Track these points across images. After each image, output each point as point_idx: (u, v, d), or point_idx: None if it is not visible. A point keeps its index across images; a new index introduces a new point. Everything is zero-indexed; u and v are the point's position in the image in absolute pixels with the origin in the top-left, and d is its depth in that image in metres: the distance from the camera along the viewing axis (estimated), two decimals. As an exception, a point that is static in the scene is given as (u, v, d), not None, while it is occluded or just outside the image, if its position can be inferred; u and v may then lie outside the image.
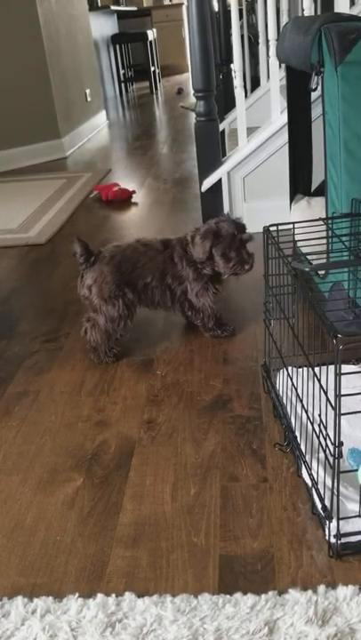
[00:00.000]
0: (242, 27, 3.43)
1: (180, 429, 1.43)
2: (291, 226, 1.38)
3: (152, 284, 1.70)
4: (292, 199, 2.14)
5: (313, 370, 1.08)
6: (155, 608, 0.98)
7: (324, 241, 1.44)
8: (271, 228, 1.34)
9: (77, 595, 1.03)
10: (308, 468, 1.18)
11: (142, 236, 2.73)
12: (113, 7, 7.78)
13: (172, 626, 0.95)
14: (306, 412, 1.19)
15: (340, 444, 0.97)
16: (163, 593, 1.02)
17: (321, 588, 0.99)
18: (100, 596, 1.01)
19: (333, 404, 0.95)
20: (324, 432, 1.03)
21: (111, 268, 1.66)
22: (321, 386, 1.03)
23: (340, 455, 0.98)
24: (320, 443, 1.07)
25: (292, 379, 1.32)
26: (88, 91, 5.41)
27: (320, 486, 1.12)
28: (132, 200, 3.33)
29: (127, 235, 2.82)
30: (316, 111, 2.03)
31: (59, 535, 1.17)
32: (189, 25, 2.43)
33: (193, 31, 2.40)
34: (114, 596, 1.01)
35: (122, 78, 7.89)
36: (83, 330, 1.74)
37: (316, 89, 1.54)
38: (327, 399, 0.99)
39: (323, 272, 1.65)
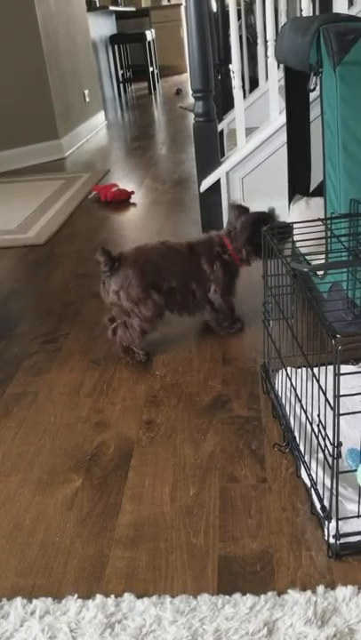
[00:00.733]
0: (240, 27, 3.43)
1: (179, 430, 1.43)
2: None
3: (176, 288, 1.70)
4: (290, 199, 2.14)
5: (312, 370, 1.08)
6: (154, 609, 0.98)
7: (323, 241, 1.44)
8: (270, 229, 1.33)
9: (76, 596, 1.03)
10: (308, 469, 1.18)
11: (141, 236, 2.75)
12: (111, 8, 7.77)
13: (171, 627, 0.95)
14: (305, 412, 1.19)
15: (339, 444, 0.97)
16: (162, 594, 1.02)
17: (320, 588, 0.99)
18: (99, 597, 1.01)
19: (332, 405, 0.95)
20: (323, 432, 1.03)
21: (135, 271, 1.65)
22: (320, 386, 1.03)
23: (339, 455, 0.98)
24: (319, 443, 1.07)
25: (291, 379, 1.32)
26: (87, 91, 5.41)
27: (319, 486, 1.12)
28: (131, 200, 3.33)
29: (126, 235, 2.82)
30: (314, 111, 2.03)
31: (58, 536, 1.17)
32: (188, 25, 2.43)
33: (191, 32, 2.40)
34: (113, 596, 1.01)
35: (120, 79, 7.89)
36: (110, 331, 1.72)
37: (314, 89, 1.54)
38: (326, 399, 0.99)
39: (322, 272, 1.65)
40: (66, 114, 4.76)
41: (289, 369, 1.35)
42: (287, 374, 1.34)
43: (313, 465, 1.17)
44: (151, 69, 7.87)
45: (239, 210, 1.76)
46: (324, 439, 1.03)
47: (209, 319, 1.80)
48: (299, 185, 2.13)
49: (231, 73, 2.73)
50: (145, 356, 1.73)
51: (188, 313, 1.78)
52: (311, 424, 1.14)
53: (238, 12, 3.01)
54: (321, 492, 1.10)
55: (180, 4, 9.17)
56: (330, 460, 1.00)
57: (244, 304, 1.96)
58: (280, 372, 1.43)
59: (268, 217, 1.70)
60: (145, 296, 1.65)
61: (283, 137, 2.29)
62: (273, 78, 2.47)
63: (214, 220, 2.64)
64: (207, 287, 1.73)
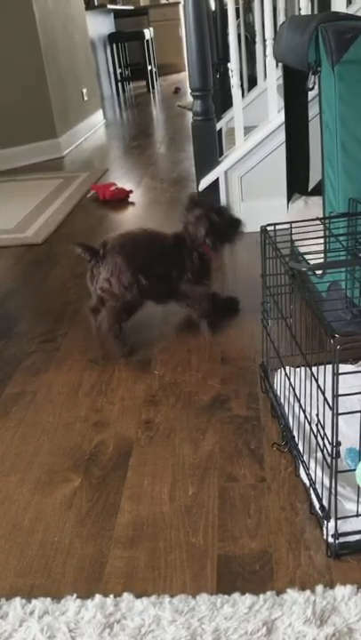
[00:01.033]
0: (239, 26, 3.43)
1: (177, 429, 1.43)
2: (288, 225, 1.38)
3: (160, 275, 1.72)
4: (289, 199, 2.14)
5: (311, 370, 1.08)
6: (153, 609, 0.98)
7: (322, 240, 1.44)
8: (268, 228, 1.33)
9: (75, 595, 1.03)
10: (306, 468, 1.18)
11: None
12: (110, 6, 7.76)
13: (170, 626, 0.95)
14: (304, 411, 1.19)
15: (338, 443, 0.97)
16: (161, 593, 1.01)
17: (319, 587, 0.99)
18: (98, 597, 1.01)
19: (331, 404, 0.95)
20: (321, 432, 1.03)
21: (124, 257, 1.68)
22: (319, 386, 1.03)
23: (338, 455, 0.98)
24: (318, 442, 1.07)
25: (289, 378, 1.32)
26: (85, 90, 5.41)
27: (318, 486, 1.12)
28: (130, 199, 3.33)
29: (124, 234, 2.81)
30: (313, 110, 2.03)
31: (57, 536, 1.16)
32: (186, 24, 2.42)
33: (190, 30, 2.40)
34: (112, 596, 1.01)
35: (119, 77, 7.88)
36: (97, 324, 1.77)
37: (313, 88, 1.54)
38: (325, 399, 0.99)
39: (320, 272, 1.65)
40: (64, 112, 4.76)
41: (288, 368, 1.35)
42: (286, 374, 1.34)
43: (312, 464, 1.17)
44: (150, 68, 7.86)
45: (190, 202, 1.79)
46: (322, 438, 1.03)
47: (183, 306, 1.83)
48: (297, 184, 2.13)
49: (230, 72, 2.72)
50: (128, 350, 1.75)
51: (165, 301, 1.82)
52: (310, 423, 1.14)
53: (237, 10, 3.01)
54: (320, 492, 1.10)
55: (178, 3, 9.17)
56: (329, 459, 1.00)
57: (243, 303, 1.96)
58: (279, 371, 1.43)
59: (219, 208, 1.79)
60: (132, 282, 1.68)
61: (281, 136, 2.29)
62: (271, 77, 2.47)
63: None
64: (184, 275, 1.75)
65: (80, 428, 1.47)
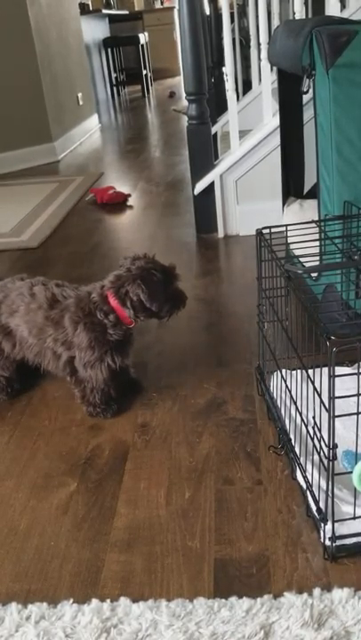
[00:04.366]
0: (233, 30, 3.44)
1: (174, 433, 1.42)
2: (283, 228, 1.38)
3: (30, 342, 1.49)
4: (284, 202, 2.14)
5: (307, 372, 1.08)
6: (150, 613, 0.98)
7: (317, 243, 1.44)
8: (264, 231, 1.34)
9: (72, 600, 1.02)
10: (303, 471, 1.17)
11: (135, 238, 2.74)
12: (104, 11, 7.78)
13: (167, 631, 0.94)
14: (300, 414, 1.19)
15: (335, 446, 0.97)
16: (158, 598, 1.01)
17: (316, 590, 0.98)
18: (94, 602, 1.01)
19: (327, 407, 0.95)
20: (318, 434, 1.03)
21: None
22: (315, 388, 1.03)
23: (335, 457, 0.98)
24: (314, 445, 1.07)
25: (285, 381, 1.32)
26: (80, 94, 5.41)
27: (315, 489, 1.11)
28: (128, 203, 3.33)
29: (120, 238, 2.82)
30: (307, 114, 2.04)
31: (53, 540, 1.16)
32: (181, 28, 2.43)
33: (184, 34, 2.40)
34: (109, 601, 1.01)
35: (114, 82, 7.89)
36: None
37: (307, 92, 1.54)
38: (321, 401, 0.99)
39: (316, 274, 1.65)
40: (59, 117, 4.76)
41: (284, 371, 1.35)
42: (282, 376, 1.34)
43: (308, 467, 1.17)
44: (145, 72, 7.87)
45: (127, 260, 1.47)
46: (319, 441, 1.03)
47: (72, 389, 1.53)
48: (292, 187, 2.14)
49: (224, 76, 2.73)
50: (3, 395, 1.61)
51: (45, 369, 1.55)
52: (306, 426, 1.14)
53: (231, 14, 3.02)
54: (317, 494, 1.10)
55: (173, 8, 9.19)
56: (325, 461, 1.00)
57: (238, 306, 1.96)
58: (275, 373, 1.43)
59: (165, 267, 1.45)
60: None
61: (276, 139, 2.30)
62: (266, 81, 2.48)
63: (208, 223, 2.64)
64: (74, 353, 1.45)
65: (76, 432, 1.46)
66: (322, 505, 1.06)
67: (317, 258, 1.43)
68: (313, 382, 1.04)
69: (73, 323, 1.43)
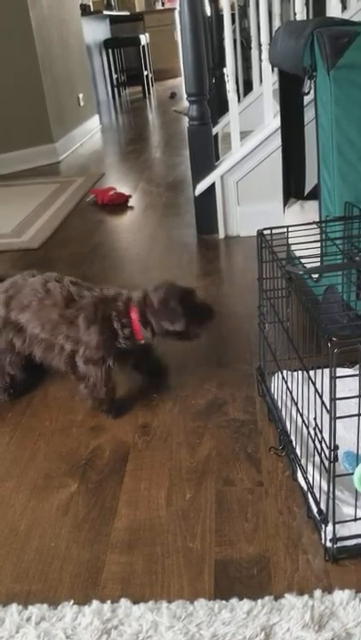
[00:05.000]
0: (234, 31, 3.44)
1: (174, 434, 1.42)
2: (284, 229, 1.38)
3: (41, 337, 1.50)
4: (285, 203, 2.14)
5: (308, 373, 1.08)
6: (150, 614, 0.97)
7: (318, 244, 1.44)
8: (265, 232, 1.34)
9: (72, 601, 1.02)
10: (304, 472, 1.17)
11: (136, 239, 2.74)
12: (105, 12, 7.78)
13: (168, 632, 0.94)
14: (301, 415, 1.19)
15: (336, 447, 0.97)
16: (158, 599, 1.01)
17: (317, 592, 0.98)
18: (95, 603, 1.01)
19: (328, 408, 0.95)
20: (319, 435, 1.03)
21: (1, 299, 1.54)
22: (316, 389, 1.03)
23: (336, 459, 0.98)
24: (315, 446, 1.07)
25: (286, 382, 1.32)
26: (81, 95, 5.41)
27: (316, 490, 1.11)
28: (129, 204, 3.33)
29: (120, 239, 2.82)
30: (308, 115, 2.03)
31: (53, 541, 1.16)
32: (182, 29, 2.43)
33: (185, 35, 2.40)
34: (109, 602, 1.01)
35: (115, 83, 7.90)
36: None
37: (308, 93, 1.54)
38: (322, 402, 0.99)
39: (317, 275, 1.65)
40: (60, 118, 4.76)
41: (285, 372, 1.34)
42: (283, 377, 1.34)
43: (309, 468, 1.16)
44: (145, 73, 7.88)
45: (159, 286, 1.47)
46: (320, 442, 1.03)
47: (77, 385, 1.52)
48: (293, 188, 2.14)
49: (225, 77, 2.73)
50: (5, 396, 1.61)
51: (49, 365, 1.56)
52: (307, 427, 1.14)
53: (232, 15, 3.02)
54: (318, 496, 1.10)
55: (173, 9, 9.20)
56: (326, 463, 1.00)
57: (239, 306, 1.96)
58: (276, 374, 1.43)
59: (189, 292, 1.47)
60: (1, 330, 1.54)
61: (277, 140, 2.30)
62: (267, 82, 2.48)
63: (209, 224, 2.64)
64: (78, 348, 1.47)
65: (76, 433, 1.46)
66: (323, 506, 1.06)
67: (318, 259, 1.43)
68: (314, 383, 1.04)
69: (87, 321, 1.44)
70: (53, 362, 1.52)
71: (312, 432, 1.08)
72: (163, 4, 10.02)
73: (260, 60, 2.63)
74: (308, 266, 1.37)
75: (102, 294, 1.48)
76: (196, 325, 1.46)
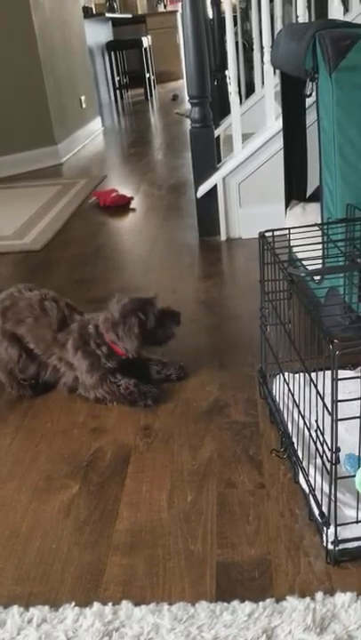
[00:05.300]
0: (236, 33, 3.45)
1: (176, 436, 1.42)
2: (286, 231, 1.38)
3: (35, 353, 1.57)
4: (287, 205, 2.14)
5: (310, 375, 1.08)
6: (152, 616, 0.97)
7: (320, 246, 1.44)
8: (267, 234, 1.34)
9: (74, 603, 1.02)
10: (306, 475, 1.17)
11: (138, 241, 2.75)
12: (108, 14, 7.80)
13: (169, 634, 0.94)
14: (303, 417, 1.19)
15: (338, 449, 0.97)
16: (160, 601, 1.01)
17: (319, 594, 0.98)
18: (96, 605, 1.01)
19: (330, 410, 0.95)
20: (321, 438, 1.03)
21: None
22: (318, 391, 1.03)
23: (338, 461, 0.98)
24: (317, 449, 1.06)
25: (288, 384, 1.31)
26: (83, 97, 5.42)
27: (317, 492, 1.11)
28: (131, 206, 3.33)
29: (122, 240, 2.82)
30: (310, 117, 2.03)
31: (55, 543, 1.16)
32: (184, 32, 2.44)
33: (188, 38, 2.41)
34: (110, 604, 1.01)
35: (117, 85, 7.90)
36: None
37: (310, 95, 1.54)
38: (324, 405, 0.99)
39: (318, 277, 1.65)
40: (62, 120, 4.77)
41: (286, 374, 1.34)
42: (285, 379, 1.33)
43: (311, 471, 1.16)
44: (148, 75, 7.89)
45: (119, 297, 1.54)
46: (322, 445, 1.03)
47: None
48: (295, 190, 2.14)
49: (227, 79, 2.73)
50: (29, 392, 1.62)
51: (56, 385, 1.63)
52: (309, 429, 1.14)
53: (234, 18, 3.02)
54: (319, 498, 1.10)
55: (176, 11, 9.22)
56: (328, 465, 0.99)
57: (241, 308, 1.96)
58: (277, 377, 1.43)
59: (146, 303, 1.52)
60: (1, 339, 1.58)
61: (279, 142, 2.30)
62: (269, 84, 2.48)
63: (211, 226, 2.65)
64: (77, 375, 1.56)
65: (78, 435, 1.46)
66: (324, 509, 1.06)
67: (320, 261, 1.43)
68: (316, 385, 1.04)
69: (74, 348, 1.54)
70: (48, 378, 1.61)
71: (314, 434, 1.08)
72: (165, 7, 10.04)
73: (262, 62, 2.63)
74: (309, 268, 1.37)
75: (82, 320, 1.57)
76: (163, 330, 1.54)
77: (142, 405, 1.52)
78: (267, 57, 2.46)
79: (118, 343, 1.50)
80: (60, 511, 1.23)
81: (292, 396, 1.28)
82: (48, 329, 1.55)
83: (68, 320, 1.57)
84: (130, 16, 8.94)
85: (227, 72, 2.91)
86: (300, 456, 1.21)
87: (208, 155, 2.58)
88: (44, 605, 1.02)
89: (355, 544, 1.04)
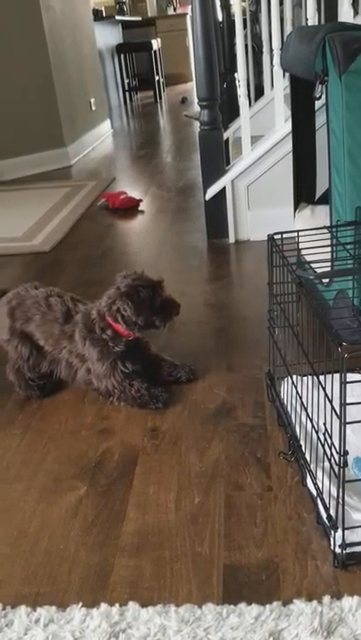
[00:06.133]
0: (246, 36, 3.45)
1: (183, 438, 1.42)
2: (295, 234, 1.38)
3: (46, 349, 1.59)
4: (296, 207, 2.14)
5: (318, 378, 1.08)
6: (159, 618, 0.97)
7: (329, 249, 1.44)
8: (275, 237, 1.34)
9: (81, 604, 1.02)
10: (313, 478, 1.17)
11: (147, 242, 2.75)
12: (118, 17, 7.82)
13: (176, 636, 0.94)
14: (310, 420, 1.19)
15: (346, 452, 0.96)
16: (167, 603, 1.01)
17: (326, 598, 0.98)
18: (103, 606, 1.01)
19: (338, 413, 0.95)
20: (328, 441, 1.03)
21: (5, 310, 1.60)
22: (326, 394, 1.03)
23: (346, 464, 0.97)
24: (325, 452, 1.06)
25: (296, 387, 1.31)
26: (93, 100, 5.44)
27: (325, 495, 1.11)
28: (140, 208, 3.34)
29: (131, 242, 2.83)
30: (320, 120, 2.03)
31: (62, 544, 1.16)
32: (194, 35, 2.44)
33: (197, 41, 2.41)
34: (117, 605, 1.01)
35: (126, 87, 7.92)
36: None
37: (320, 97, 1.54)
38: (332, 408, 0.99)
39: (327, 280, 1.65)
40: (72, 122, 4.79)
41: (295, 377, 1.34)
42: (293, 382, 1.33)
43: (319, 474, 1.16)
44: (157, 78, 7.90)
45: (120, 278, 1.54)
46: (330, 448, 1.02)
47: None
48: (304, 193, 2.13)
49: (237, 81, 2.74)
50: (36, 392, 1.64)
51: (68, 380, 1.63)
52: (317, 432, 1.14)
53: (244, 21, 3.02)
54: (327, 501, 1.09)
55: (185, 14, 9.23)
56: (336, 468, 0.99)
57: (249, 311, 1.96)
58: (285, 379, 1.42)
59: (154, 283, 1.51)
60: (9, 339, 1.60)
61: (288, 145, 2.30)
62: (278, 87, 2.48)
63: (219, 228, 2.65)
64: (89, 366, 1.55)
65: (86, 436, 1.47)
66: (332, 512, 1.06)
67: (329, 264, 1.43)
68: (324, 388, 1.04)
69: (81, 338, 1.53)
70: (62, 375, 1.61)
71: (322, 437, 1.08)
72: (175, 10, 10.06)
73: (272, 64, 2.63)
74: (318, 270, 1.37)
75: (86, 308, 1.57)
76: (161, 313, 1.52)
77: (153, 408, 1.53)
78: (276, 60, 2.46)
79: (120, 321, 1.48)
80: (68, 512, 1.24)
81: (300, 398, 1.28)
82: (54, 323, 1.56)
83: (72, 312, 1.57)
84: (140, 19, 8.97)
85: (236, 75, 2.91)
86: (308, 459, 1.21)
87: (217, 157, 2.58)
88: (52, 606, 1.02)
89: (362, 548, 1.03)
